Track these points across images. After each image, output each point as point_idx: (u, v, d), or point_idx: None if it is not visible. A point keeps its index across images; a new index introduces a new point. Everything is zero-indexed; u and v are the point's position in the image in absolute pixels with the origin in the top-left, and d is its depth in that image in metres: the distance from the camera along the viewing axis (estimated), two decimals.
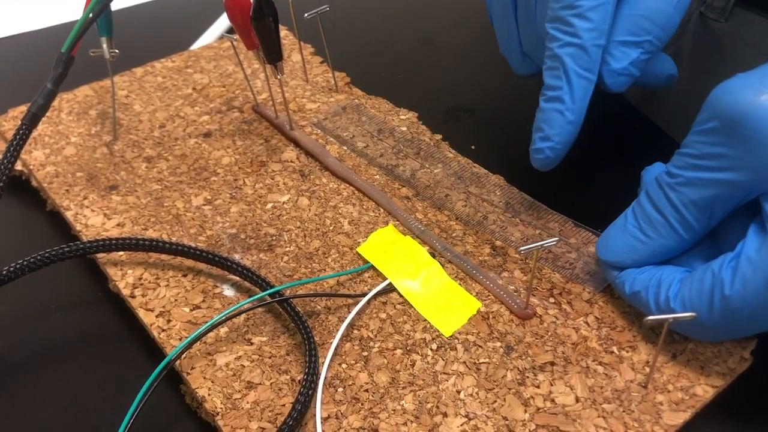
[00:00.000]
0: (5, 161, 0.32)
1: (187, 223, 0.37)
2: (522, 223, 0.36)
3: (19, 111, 0.45)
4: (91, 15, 0.35)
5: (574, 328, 0.31)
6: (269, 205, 0.38)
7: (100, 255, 0.35)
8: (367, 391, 0.29)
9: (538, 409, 0.28)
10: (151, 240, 0.34)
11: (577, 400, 0.28)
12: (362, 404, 0.28)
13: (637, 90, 0.46)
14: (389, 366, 0.30)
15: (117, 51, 0.40)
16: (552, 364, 0.29)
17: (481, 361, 0.30)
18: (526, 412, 0.28)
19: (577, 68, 0.32)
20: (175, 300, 0.33)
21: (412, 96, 0.47)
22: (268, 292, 0.31)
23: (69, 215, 0.38)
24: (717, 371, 0.29)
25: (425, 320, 0.31)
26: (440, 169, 0.40)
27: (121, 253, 0.35)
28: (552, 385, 0.29)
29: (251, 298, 0.32)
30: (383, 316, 0.32)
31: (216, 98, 0.47)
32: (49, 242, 0.37)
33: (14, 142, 0.33)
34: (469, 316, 0.31)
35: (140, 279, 0.34)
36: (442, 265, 0.34)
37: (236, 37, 0.40)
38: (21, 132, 0.33)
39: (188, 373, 0.29)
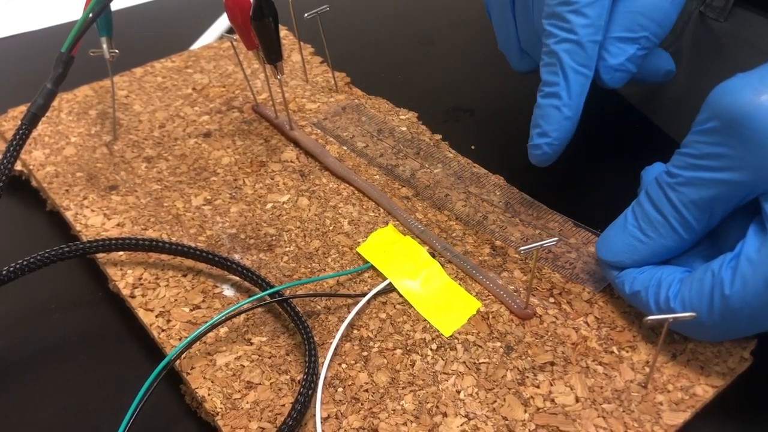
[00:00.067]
0: (5, 161, 0.32)
1: (187, 223, 0.37)
2: (522, 223, 0.36)
3: (19, 111, 0.45)
4: (91, 15, 0.35)
5: (573, 328, 0.31)
6: (269, 205, 0.38)
7: (100, 255, 0.35)
8: (366, 391, 0.29)
9: (538, 409, 0.28)
10: (151, 240, 0.34)
11: (577, 400, 0.28)
12: (362, 404, 0.28)
13: (637, 90, 0.46)
14: (389, 366, 0.30)
15: (117, 51, 0.40)
16: (552, 364, 0.29)
17: (481, 361, 0.30)
18: (525, 412, 0.28)
19: (574, 64, 0.32)
20: (175, 300, 0.33)
21: (412, 96, 0.47)
22: (267, 292, 0.31)
23: (69, 215, 0.38)
24: (717, 371, 0.29)
25: (425, 320, 0.31)
26: (440, 169, 0.40)
27: (121, 253, 0.35)
28: (552, 385, 0.29)
29: (251, 298, 0.32)
30: (383, 316, 0.32)
31: (216, 98, 0.47)
32: (49, 242, 0.37)
33: (14, 142, 0.33)
34: (469, 316, 0.31)
35: (140, 279, 0.34)
36: (442, 265, 0.34)
37: (236, 37, 0.40)
38: (21, 132, 0.33)
39: (188, 373, 0.29)
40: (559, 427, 0.27)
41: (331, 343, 0.30)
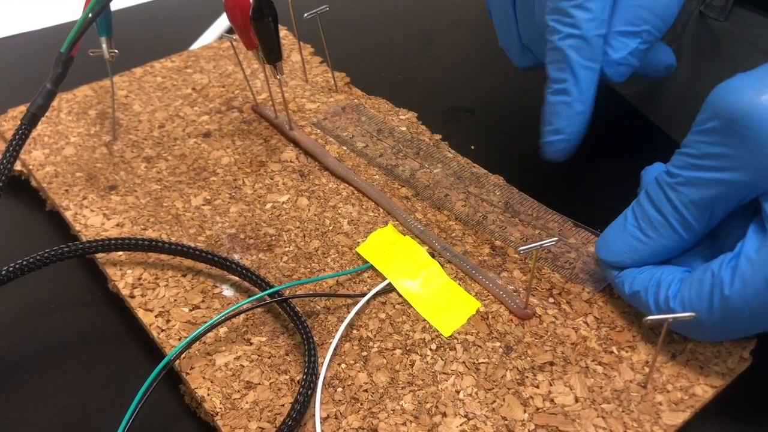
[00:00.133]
0: (5, 161, 0.32)
1: (187, 223, 0.37)
2: (521, 223, 0.36)
3: (19, 111, 0.45)
4: (90, 15, 0.35)
5: (573, 328, 0.31)
6: (269, 205, 0.38)
7: (99, 255, 0.35)
8: (366, 391, 0.29)
9: (538, 409, 0.28)
10: (151, 240, 0.34)
11: (577, 400, 0.28)
12: (361, 404, 0.28)
13: (638, 90, 0.46)
14: (388, 366, 0.30)
15: (116, 51, 0.40)
16: (551, 364, 0.29)
17: (481, 361, 0.30)
18: (525, 412, 0.28)
19: (581, 59, 0.32)
20: (175, 300, 0.33)
21: (411, 96, 0.47)
22: (267, 292, 0.31)
23: (68, 215, 0.38)
24: (716, 371, 0.29)
25: (424, 320, 0.31)
26: (440, 169, 0.40)
27: (120, 253, 0.35)
28: (551, 385, 0.29)
29: (251, 298, 0.32)
30: (382, 316, 0.32)
31: (215, 98, 0.47)
32: (49, 242, 0.37)
33: (14, 142, 0.33)
34: (469, 316, 0.31)
35: (139, 279, 0.34)
36: (442, 265, 0.34)
37: (236, 37, 0.40)
38: (20, 132, 0.33)
39: (187, 373, 0.29)
40: (559, 427, 0.27)
41: (330, 343, 0.30)
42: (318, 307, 0.32)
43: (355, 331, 0.31)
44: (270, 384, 0.29)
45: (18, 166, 0.41)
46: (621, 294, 0.30)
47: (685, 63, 0.42)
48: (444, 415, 0.28)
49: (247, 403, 0.28)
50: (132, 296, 0.33)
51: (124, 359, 0.32)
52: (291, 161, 0.41)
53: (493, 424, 0.27)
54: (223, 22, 0.58)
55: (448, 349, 0.30)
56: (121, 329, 0.33)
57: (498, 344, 0.30)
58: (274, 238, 0.36)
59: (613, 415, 0.27)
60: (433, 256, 0.34)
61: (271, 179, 0.40)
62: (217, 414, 0.28)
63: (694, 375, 0.29)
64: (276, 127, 0.44)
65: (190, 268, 0.34)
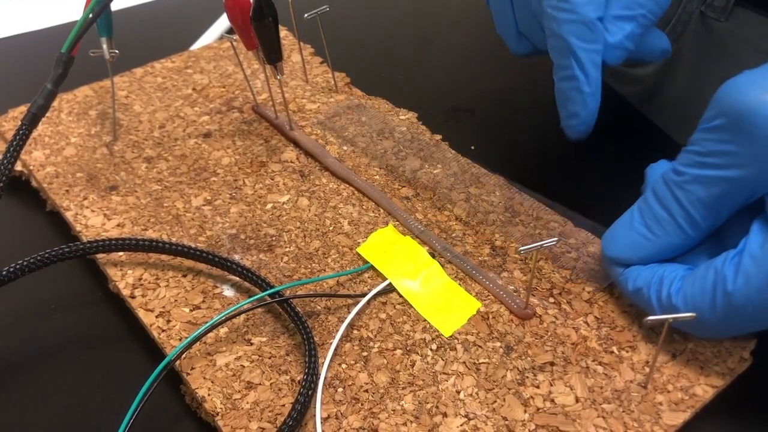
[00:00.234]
0: (5, 161, 0.32)
1: (187, 224, 0.37)
2: (522, 223, 0.36)
3: (19, 111, 0.45)
4: (91, 15, 0.35)
5: (573, 328, 0.31)
6: (269, 206, 0.38)
7: (100, 255, 0.35)
8: (366, 391, 0.29)
9: (538, 409, 0.28)
10: (151, 240, 0.34)
11: (577, 400, 0.28)
12: (362, 404, 0.28)
13: (637, 90, 0.46)
14: (389, 366, 0.30)
15: (117, 51, 0.40)
16: (552, 364, 0.29)
17: (481, 361, 0.30)
18: (525, 412, 0.28)
19: (582, 43, 0.32)
20: (175, 300, 0.33)
21: (412, 96, 0.47)
22: (267, 292, 0.31)
23: (69, 215, 0.38)
24: (717, 371, 0.29)
25: (425, 320, 0.31)
26: (440, 169, 0.40)
27: (121, 253, 0.35)
28: (552, 385, 0.29)
29: (251, 299, 0.32)
30: (383, 316, 0.32)
31: (216, 98, 0.47)
32: (49, 242, 0.37)
33: (14, 143, 0.33)
34: (469, 316, 0.31)
35: (140, 279, 0.34)
36: (442, 266, 0.34)
37: (236, 37, 0.40)
38: (21, 132, 0.33)
39: (188, 374, 0.29)
40: (559, 427, 0.27)
41: (331, 343, 0.30)
42: (318, 308, 0.32)
43: (355, 332, 0.31)
44: (270, 384, 0.29)
45: (18, 167, 0.41)
46: (624, 291, 0.30)
47: (686, 63, 0.42)
48: (444, 415, 0.28)
49: (247, 403, 0.28)
50: (132, 296, 0.33)
51: (125, 359, 0.32)
52: (291, 161, 0.41)
53: (493, 424, 0.27)
54: (223, 23, 0.58)
55: (448, 350, 0.30)
56: (122, 329, 0.33)
57: (498, 344, 0.30)
58: (274, 238, 0.36)
59: (613, 415, 0.27)
60: (433, 256, 0.34)
61: (272, 179, 0.40)
62: (217, 414, 0.28)
63: (694, 375, 0.29)
64: (276, 128, 0.44)
65: (191, 268, 0.34)
